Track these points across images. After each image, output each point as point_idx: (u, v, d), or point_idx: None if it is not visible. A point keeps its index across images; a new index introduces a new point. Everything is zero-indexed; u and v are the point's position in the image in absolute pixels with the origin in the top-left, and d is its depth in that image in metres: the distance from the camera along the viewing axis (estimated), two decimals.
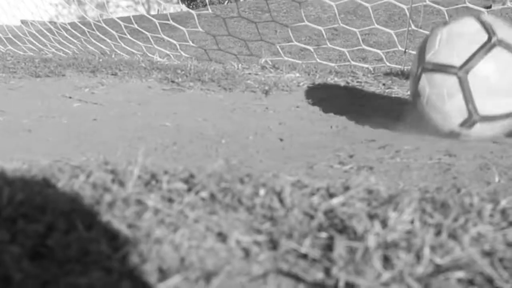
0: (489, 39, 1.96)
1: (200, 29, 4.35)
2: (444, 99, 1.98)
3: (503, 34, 1.98)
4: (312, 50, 4.05)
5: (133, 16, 7.17)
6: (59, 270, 0.65)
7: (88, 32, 5.16)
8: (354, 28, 4.01)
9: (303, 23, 4.22)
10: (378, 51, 3.99)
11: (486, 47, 1.95)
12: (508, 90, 1.96)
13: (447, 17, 3.99)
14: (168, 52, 4.45)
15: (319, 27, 4.31)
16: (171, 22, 4.61)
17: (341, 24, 4.14)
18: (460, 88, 1.95)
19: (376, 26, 4.14)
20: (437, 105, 2.00)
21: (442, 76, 1.98)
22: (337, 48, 4.24)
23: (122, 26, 5.33)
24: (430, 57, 2.02)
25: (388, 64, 3.75)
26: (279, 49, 4.29)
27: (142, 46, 4.62)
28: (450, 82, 1.96)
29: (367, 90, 2.83)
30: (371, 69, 3.60)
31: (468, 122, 1.97)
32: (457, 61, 1.96)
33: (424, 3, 3.78)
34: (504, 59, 1.96)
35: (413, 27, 4.23)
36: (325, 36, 4.40)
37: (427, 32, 4.85)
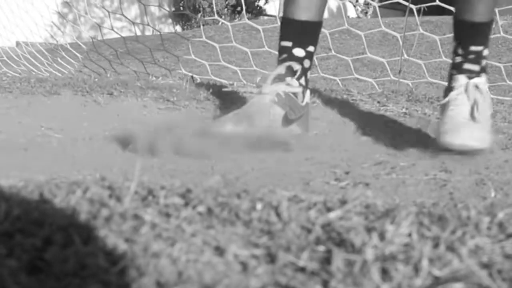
0: None
1: (192, 56, 4.35)
2: None
3: None
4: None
5: (128, 37, 7.18)
6: (57, 284, 0.64)
7: (84, 52, 5.17)
8: (346, 56, 4.04)
9: None
10: (371, 79, 4.00)
11: None
12: None
13: (439, 44, 4.02)
14: (163, 72, 4.47)
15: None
16: (165, 43, 4.63)
17: (333, 53, 4.17)
18: None
19: (369, 55, 4.17)
20: None
21: None
22: (329, 77, 4.25)
23: (117, 47, 5.35)
24: None
25: (378, 89, 3.76)
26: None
27: (137, 67, 4.64)
28: None
29: (362, 108, 2.84)
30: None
31: None
32: None
33: (418, 32, 3.81)
34: None
35: (405, 56, 4.26)
36: (316, 63, 4.41)
37: (419, 61, 4.86)
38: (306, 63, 2.15)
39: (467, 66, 2.08)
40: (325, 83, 4.51)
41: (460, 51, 2.10)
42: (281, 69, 2.11)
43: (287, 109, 2.05)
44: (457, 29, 2.12)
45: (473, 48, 2.08)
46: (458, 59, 2.10)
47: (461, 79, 2.07)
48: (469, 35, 2.08)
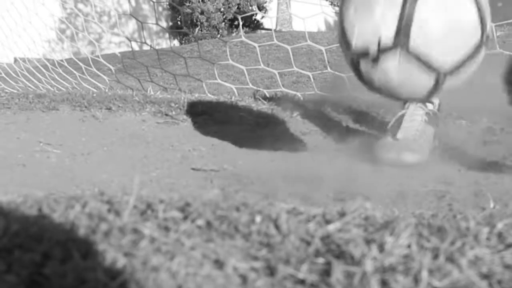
0: None
1: (189, 71, 4.36)
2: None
3: None
4: (311, 76, 4.08)
5: (126, 52, 7.19)
6: None
7: (82, 68, 5.18)
8: (343, 72, 4.01)
9: (294, 56, 4.25)
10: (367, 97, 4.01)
11: None
12: None
13: None
14: (161, 86, 4.47)
15: (308, 73, 4.37)
16: (163, 58, 4.64)
17: (329, 70, 4.19)
18: None
19: None
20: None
21: None
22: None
23: (115, 62, 5.36)
24: None
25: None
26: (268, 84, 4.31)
27: (135, 82, 4.64)
28: None
29: (362, 118, 2.84)
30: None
31: None
32: None
33: None
34: None
35: None
36: (312, 79, 4.42)
37: None
38: None
39: None
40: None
41: None
42: None
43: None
44: None
45: None
46: None
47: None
48: None
